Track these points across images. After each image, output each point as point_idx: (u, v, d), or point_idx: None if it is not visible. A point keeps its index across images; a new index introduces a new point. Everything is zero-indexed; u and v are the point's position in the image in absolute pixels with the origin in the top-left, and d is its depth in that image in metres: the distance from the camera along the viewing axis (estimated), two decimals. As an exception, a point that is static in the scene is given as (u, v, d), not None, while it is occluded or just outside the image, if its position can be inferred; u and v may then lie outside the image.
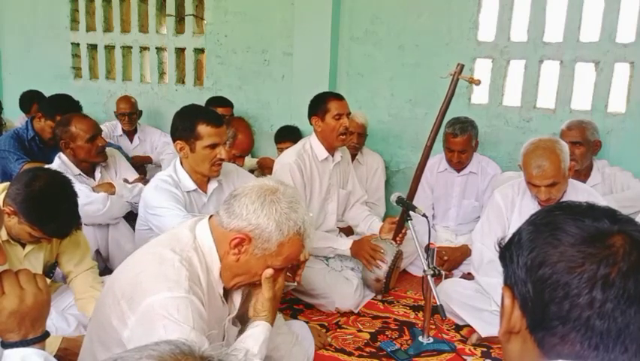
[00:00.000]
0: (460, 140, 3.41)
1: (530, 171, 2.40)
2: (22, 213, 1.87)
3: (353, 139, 3.62)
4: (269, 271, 1.54)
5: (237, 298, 1.67)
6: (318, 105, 3.01)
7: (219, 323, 1.62)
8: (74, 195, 2.01)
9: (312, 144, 3.06)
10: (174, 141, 2.44)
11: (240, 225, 1.46)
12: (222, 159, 2.44)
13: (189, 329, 1.35)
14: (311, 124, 3.07)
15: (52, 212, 1.89)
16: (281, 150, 3.92)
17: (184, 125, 2.40)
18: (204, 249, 1.52)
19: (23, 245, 2.06)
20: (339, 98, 3.03)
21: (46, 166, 2.90)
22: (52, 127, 3.31)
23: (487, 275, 2.57)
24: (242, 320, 1.85)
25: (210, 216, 1.59)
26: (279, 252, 1.49)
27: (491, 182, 3.52)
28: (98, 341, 1.52)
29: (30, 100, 4.42)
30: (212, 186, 2.54)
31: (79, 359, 1.65)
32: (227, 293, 1.62)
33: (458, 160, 3.49)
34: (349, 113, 3.04)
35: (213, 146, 2.38)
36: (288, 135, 3.99)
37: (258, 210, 1.45)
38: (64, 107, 3.39)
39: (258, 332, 1.59)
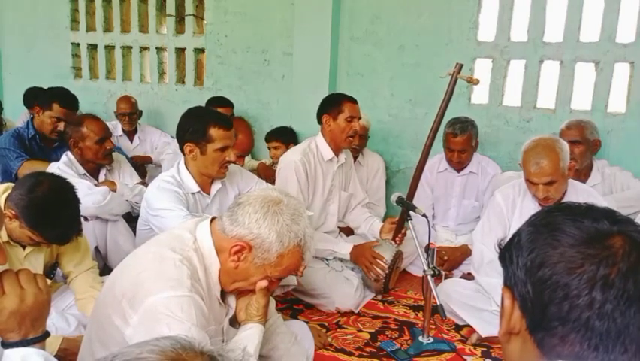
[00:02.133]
0: (460, 139, 3.41)
1: (529, 168, 2.40)
2: (24, 218, 1.89)
3: (355, 141, 3.62)
4: (263, 283, 1.56)
5: (232, 299, 1.69)
6: (332, 105, 3.02)
7: (218, 324, 1.63)
8: (77, 201, 2.02)
9: (317, 144, 3.07)
10: (183, 143, 2.43)
11: (242, 233, 1.48)
12: (230, 162, 2.46)
13: (192, 327, 1.36)
14: (319, 122, 3.06)
15: (53, 219, 1.91)
16: (274, 149, 3.95)
17: (195, 128, 2.39)
18: (204, 251, 1.53)
19: (23, 246, 2.06)
20: (353, 101, 3.04)
21: (52, 164, 2.92)
22: (52, 117, 3.33)
23: (488, 275, 2.57)
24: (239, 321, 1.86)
25: (212, 219, 1.60)
26: (279, 263, 1.50)
27: (491, 182, 3.52)
28: (97, 340, 1.52)
29: (34, 96, 4.42)
30: (216, 187, 2.55)
31: (78, 359, 1.65)
32: (222, 295, 1.63)
33: (458, 160, 3.49)
34: (360, 117, 3.06)
35: (223, 149, 2.40)
36: (277, 135, 4.01)
37: (260, 220, 1.46)
38: (59, 94, 3.41)
39: (252, 333, 1.61)
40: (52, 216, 1.90)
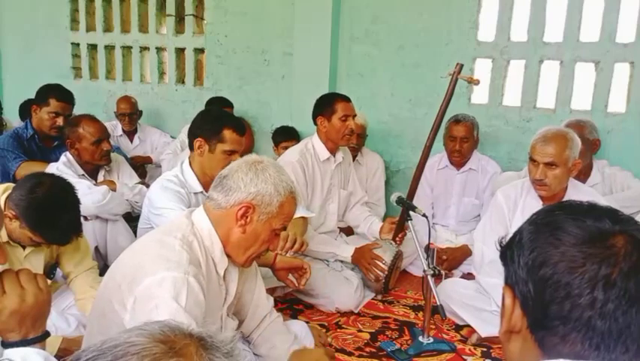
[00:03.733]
0: (463, 126, 3.44)
1: (535, 144, 2.43)
2: (25, 219, 1.89)
3: (353, 140, 3.62)
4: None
5: (233, 285, 1.71)
6: (325, 106, 3.01)
7: (217, 311, 1.66)
8: (77, 202, 2.03)
9: (314, 144, 3.07)
10: (195, 137, 2.46)
11: (240, 197, 1.55)
12: None
13: (180, 309, 1.37)
14: (315, 124, 3.06)
15: (54, 220, 1.91)
16: (284, 150, 3.93)
17: (210, 126, 2.44)
18: (203, 232, 1.58)
19: (24, 246, 2.06)
20: (346, 100, 3.03)
21: (51, 165, 2.92)
22: (50, 112, 3.32)
23: (488, 275, 2.57)
24: (238, 318, 1.87)
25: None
26: (281, 212, 1.58)
27: (490, 182, 3.52)
28: (98, 331, 1.54)
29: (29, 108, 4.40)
30: None
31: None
32: (223, 279, 1.67)
33: (460, 149, 3.48)
34: (355, 115, 3.05)
35: (231, 152, 2.42)
36: (290, 135, 4.00)
37: (254, 179, 1.55)
38: (55, 89, 3.41)
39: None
40: (53, 217, 1.90)
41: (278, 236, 1.66)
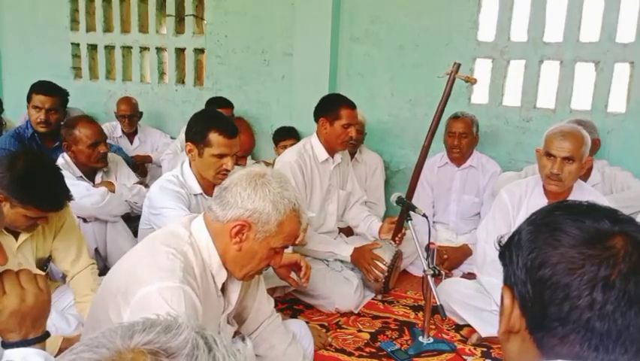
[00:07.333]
0: (461, 122, 3.46)
1: (552, 139, 2.43)
2: (13, 195, 1.88)
3: (357, 140, 3.62)
4: None
5: (234, 295, 1.68)
6: (330, 109, 2.99)
7: (215, 320, 1.63)
8: (57, 167, 2.05)
9: (312, 145, 3.06)
10: (186, 141, 2.44)
11: (237, 213, 1.48)
12: (228, 170, 2.40)
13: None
14: (316, 122, 3.05)
15: (40, 187, 1.92)
16: (282, 149, 3.93)
17: (197, 129, 2.39)
18: (200, 244, 1.53)
19: (16, 236, 2.05)
20: (352, 107, 2.99)
21: None
22: (34, 106, 3.30)
23: (490, 275, 2.56)
24: (238, 320, 1.86)
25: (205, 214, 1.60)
26: (280, 231, 1.51)
27: (490, 180, 3.53)
28: None
29: None
30: None
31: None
32: (223, 289, 1.63)
33: (459, 144, 3.49)
34: (357, 123, 3.03)
35: (221, 156, 2.36)
36: (290, 134, 4.00)
37: (252, 195, 1.47)
38: (36, 84, 3.40)
39: None
40: (39, 183, 1.91)
41: (279, 253, 1.59)
